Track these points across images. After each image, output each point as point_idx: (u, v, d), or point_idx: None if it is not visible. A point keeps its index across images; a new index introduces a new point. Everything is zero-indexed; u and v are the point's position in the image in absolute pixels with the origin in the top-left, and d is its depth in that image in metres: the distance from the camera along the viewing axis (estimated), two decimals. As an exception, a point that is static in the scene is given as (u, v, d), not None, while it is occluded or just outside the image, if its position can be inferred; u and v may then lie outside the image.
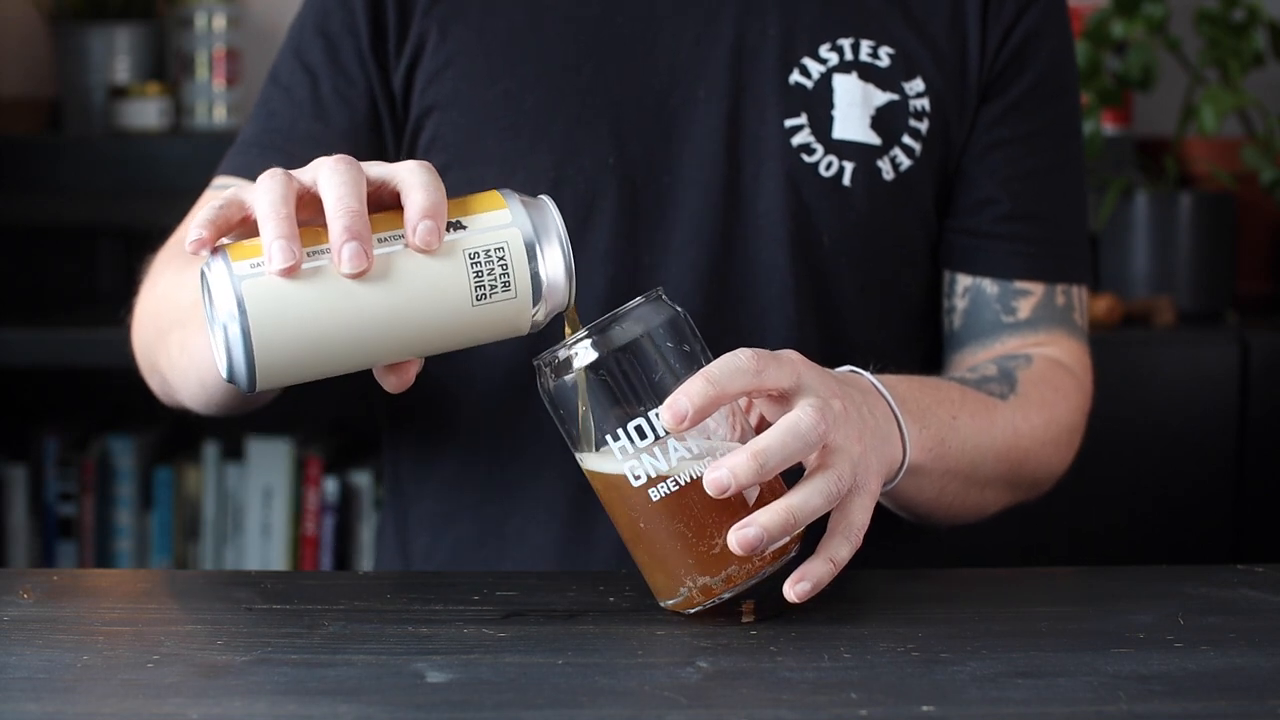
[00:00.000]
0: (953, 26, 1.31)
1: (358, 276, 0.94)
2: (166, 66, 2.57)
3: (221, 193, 1.30)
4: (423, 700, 0.88)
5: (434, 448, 1.34)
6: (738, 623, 1.01)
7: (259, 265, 0.94)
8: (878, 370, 1.13)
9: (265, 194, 0.95)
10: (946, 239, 1.34)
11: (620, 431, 0.98)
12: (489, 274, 0.96)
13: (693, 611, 1.01)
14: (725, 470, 0.96)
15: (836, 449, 1.00)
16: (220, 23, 2.52)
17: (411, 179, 0.97)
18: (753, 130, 1.28)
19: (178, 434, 2.51)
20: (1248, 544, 2.17)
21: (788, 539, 0.99)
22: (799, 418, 0.98)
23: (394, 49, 1.29)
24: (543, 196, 0.99)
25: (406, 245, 0.95)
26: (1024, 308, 1.33)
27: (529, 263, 0.97)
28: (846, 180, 1.28)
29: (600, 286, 1.26)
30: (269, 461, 2.42)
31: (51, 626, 1.00)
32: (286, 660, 0.94)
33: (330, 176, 0.96)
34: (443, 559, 1.33)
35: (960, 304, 1.34)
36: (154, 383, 1.30)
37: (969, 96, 1.31)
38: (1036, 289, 1.33)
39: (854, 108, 1.28)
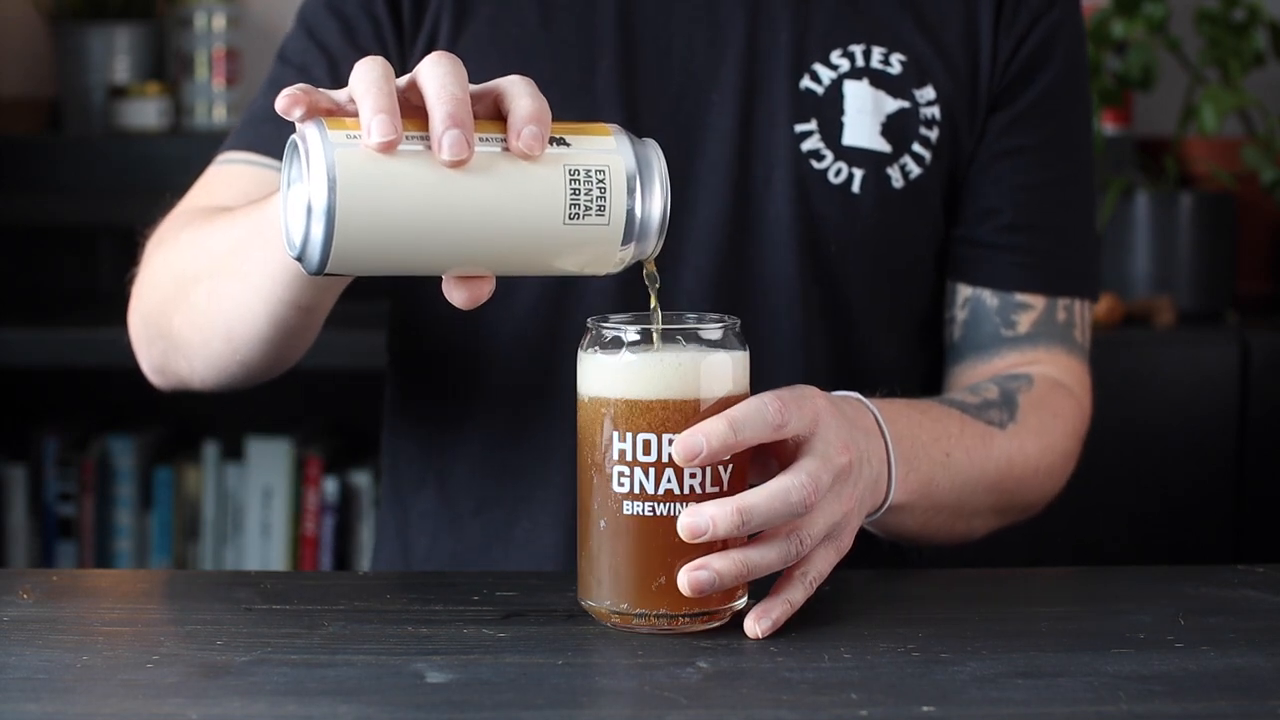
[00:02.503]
0: (965, 35, 1.30)
1: (457, 166, 0.91)
2: (166, 66, 2.57)
3: (229, 167, 1.29)
4: (423, 700, 0.88)
5: (438, 451, 1.33)
6: (738, 623, 1.00)
7: (355, 137, 0.91)
8: (885, 393, 1.13)
9: (365, 73, 0.92)
10: (949, 248, 1.33)
11: (629, 435, 0.98)
12: (586, 194, 0.93)
13: (601, 620, 1.01)
14: (705, 518, 0.96)
15: (816, 509, 1.00)
16: (220, 23, 2.52)
17: (517, 88, 0.94)
18: (763, 135, 1.27)
19: (178, 434, 2.51)
20: (1248, 544, 2.17)
21: (715, 611, 0.99)
22: (791, 486, 0.98)
23: (409, 37, 1.28)
24: (650, 139, 0.97)
25: (507, 149, 0.93)
26: (1023, 322, 1.32)
27: (627, 195, 0.94)
28: (856, 187, 1.27)
29: (611, 290, 1.26)
30: (269, 461, 2.42)
31: (51, 626, 1.00)
32: (286, 660, 0.94)
33: (432, 68, 0.93)
34: (444, 562, 1.33)
35: (960, 315, 1.33)
36: (155, 353, 1.26)
37: (979, 105, 1.30)
38: (1037, 303, 1.32)
39: (864, 115, 1.27)
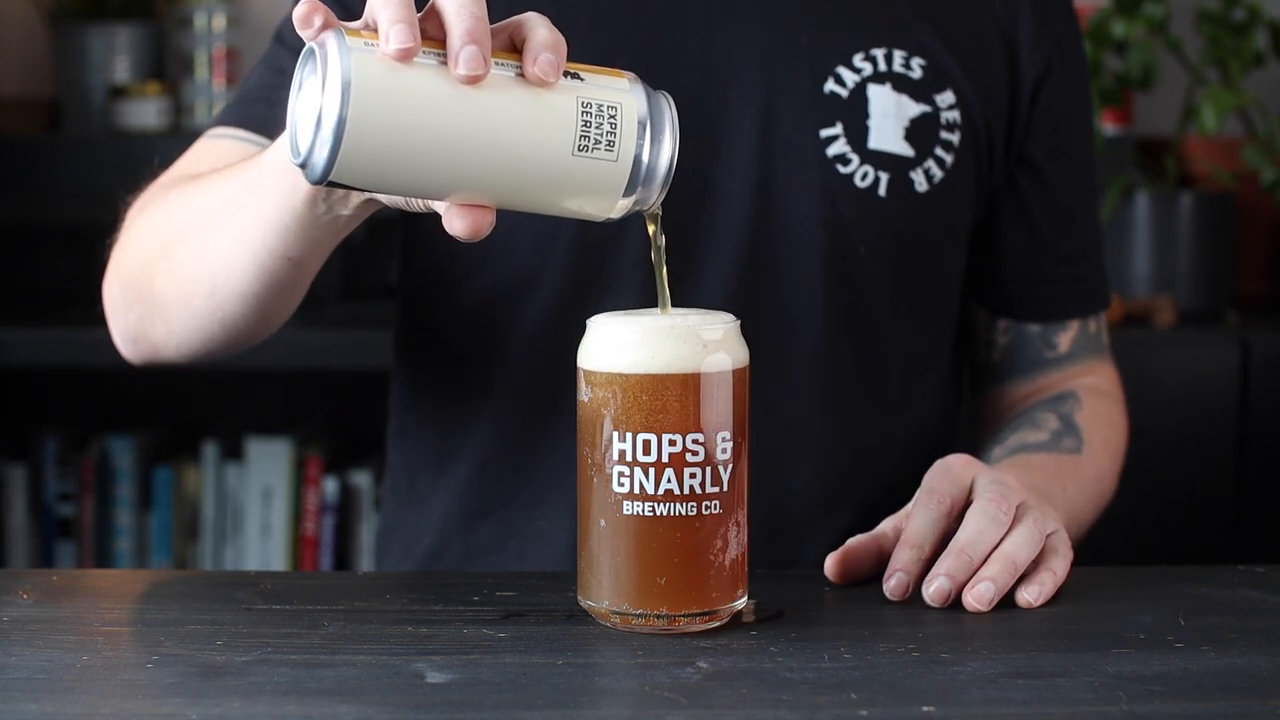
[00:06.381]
0: (979, 39, 1.31)
1: (472, 82, 0.90)
2: (166, 66, 2.57)
3: (218, 141, 1.28)
4: (423, 700, 0.88)
5: (451, 451, 1.32)
6: (738, 623, 1.00)
7: (373, 45, 0.91)
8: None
9: None
10: (991, 286, 1.37)
11: (629, 435, 0.97)
12: (597, 127, 0.93)
13: (601, 620, 1.01)
14: (943, 578, 1.03)
15: (1023, 509, 1.08)
16: (220, 22, 2.52)
17: (536, 20, 0.94)
18: (786, 138, 1.26)
19: (177, 434, 2.51)
20: (1248, 544, 2.17)
21: (715, 611, 0.99)
22: (983, 508, 1.06)
23: None
24: (665, 92, 0.96)
25: (522, 76, 0.92)
26: (1063, 342, 1.38)
27: (637, 137, 0.94)
28: (882, 191, 1.27)
29: (631, 293, 1.25)
30: (269, 461, 2.42)
31: (51, 626, 1.00)
32: (286, 660, 0.94)
33: None
34: (457, 563, 1.32)
35: (1002, 340, 1.38)
36: (131, 318, 1.24)
37: (999, 109, 1.31)
38: (1074, 323, 1.38)
39: (888, 119, 1.27)
